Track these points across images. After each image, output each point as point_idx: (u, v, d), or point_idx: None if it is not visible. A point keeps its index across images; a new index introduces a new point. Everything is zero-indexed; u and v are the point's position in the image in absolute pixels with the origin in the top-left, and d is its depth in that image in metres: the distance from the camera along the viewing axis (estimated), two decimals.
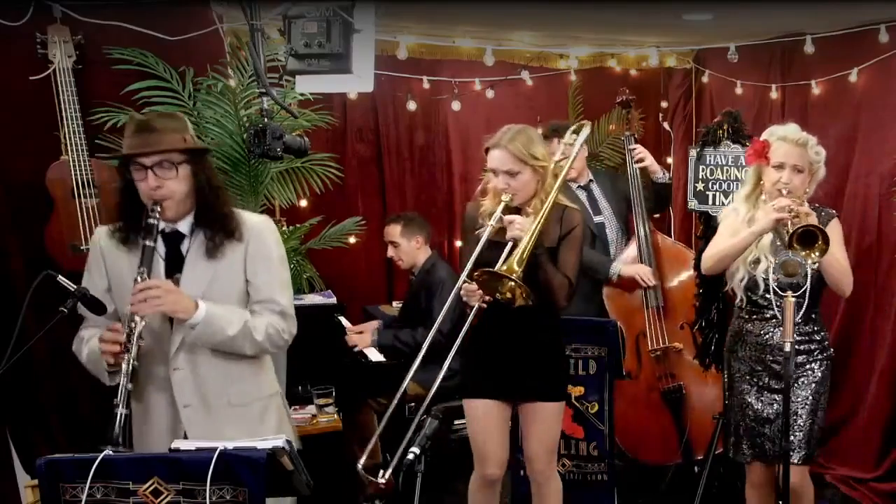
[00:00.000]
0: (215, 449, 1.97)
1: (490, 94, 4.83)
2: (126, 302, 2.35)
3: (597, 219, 4.30)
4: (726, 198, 3.86)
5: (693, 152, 4.16)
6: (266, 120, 3.08)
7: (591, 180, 4.35)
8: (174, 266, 2.42)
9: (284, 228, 4.07)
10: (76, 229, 3.40)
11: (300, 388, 3.81)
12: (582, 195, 4.33)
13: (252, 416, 2.52)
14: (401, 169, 4.99)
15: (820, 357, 3.07)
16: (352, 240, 4.50)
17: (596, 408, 3.52)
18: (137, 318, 2.28)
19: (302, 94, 3.75)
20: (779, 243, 3.02)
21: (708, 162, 4.03)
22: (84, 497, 1.97)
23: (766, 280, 3.00)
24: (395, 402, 2.84)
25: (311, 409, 3.69)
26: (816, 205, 3.10)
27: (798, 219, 2.82)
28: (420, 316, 4.10)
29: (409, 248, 4.23)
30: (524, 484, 3.54)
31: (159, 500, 2.00)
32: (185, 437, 2.40)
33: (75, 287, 2.32)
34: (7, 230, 3.47)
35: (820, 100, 4.50)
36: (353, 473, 3.64)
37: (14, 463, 3.49)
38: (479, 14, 4.20)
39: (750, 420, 3.10)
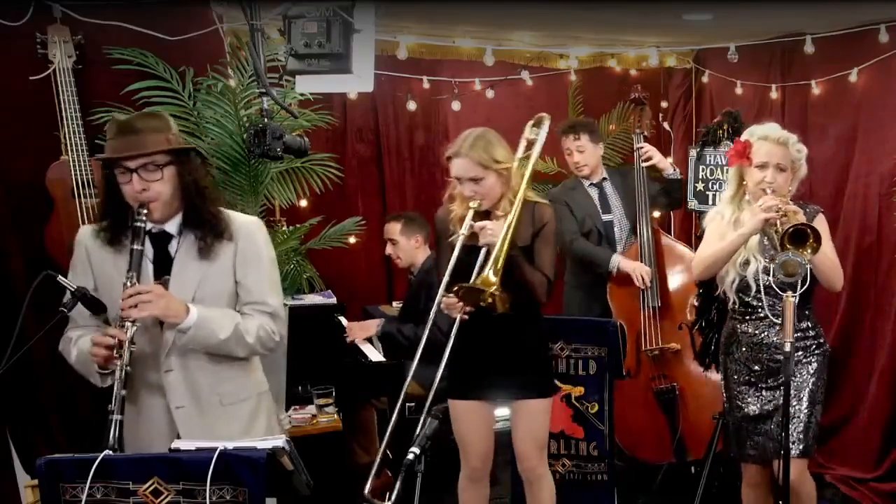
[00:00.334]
0: (215, 449, 1.97)
1: (490, 94, 4.84)
2: (113, 303, 2.34)
3: (605, 217, 4.32)
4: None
5: (693, 152, 4.17)
6: (266, 120, 3.08)
7: (604, 178, 4.38)
8: (162, 267, 2.40)
9: (284, 228, 4.07)
10: (76, 229, 3.36)
11: (300, 388, 3.81)
12: (594, 193, 4.36)
13: (244, 415, 2.51)
14: (401, 169, 4.99)
15: (816, 352, 3.08)
16: (352, 240, 4.50)
17: (596, 408, 3.52)
18: (128, 324, 2.27)
19: (302, 94, 3.75)
20: (766, 243, 3.02)
21: (708, 162, 4.04)
22: (84, 497, 1.97)
23: (757, 281, 3.00)
24: (399, 402, 2.85)
25: (311, 409, 3.69)
26: (801, 202, 3.10)
27: (786, 218, 2.82)
28: (420, 315, 4.10)
29: (407, 246, 4.23)
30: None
31: (159, 500, 2.00)
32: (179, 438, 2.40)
33: (75, 287, 2.32)
34: (7, 230, 3.47)
35: (820, 100, 4.50)
36: (352, 473, 3.66)
37: (14, 463, 3.49)
38: (479, 14, 4.20)
39: (749, 420, 3.10)
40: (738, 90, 4.81)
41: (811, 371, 3.05)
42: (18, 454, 3.51)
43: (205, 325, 2.35)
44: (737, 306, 3.11)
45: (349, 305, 4.56)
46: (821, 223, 3.00)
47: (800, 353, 3.00)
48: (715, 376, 3.90)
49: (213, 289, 2.42)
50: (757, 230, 2.93)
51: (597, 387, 3.51)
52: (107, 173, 2.39)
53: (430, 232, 4.34)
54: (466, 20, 4.42)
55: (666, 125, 5.30)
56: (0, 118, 3.42)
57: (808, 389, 3.03)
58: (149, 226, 2.36)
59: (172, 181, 2.36)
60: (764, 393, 3.07)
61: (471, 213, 2.87)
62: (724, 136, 4.00)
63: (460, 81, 4.83)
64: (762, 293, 3.00)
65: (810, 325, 3.08)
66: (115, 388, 2.25)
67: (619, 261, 4.20)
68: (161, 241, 2.41)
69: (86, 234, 2.47)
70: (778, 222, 2.83)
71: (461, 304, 2.81)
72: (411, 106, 4.79)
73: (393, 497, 2.34)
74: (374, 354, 4.12)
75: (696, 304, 3.98)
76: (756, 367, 3.08)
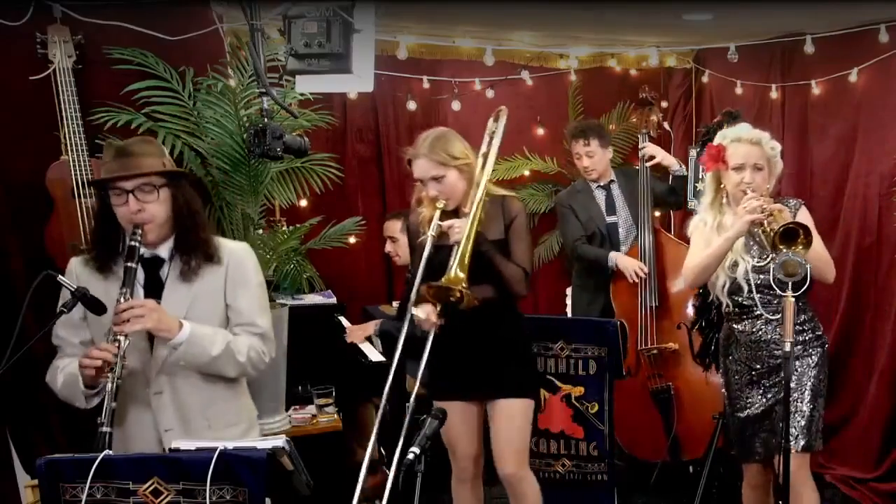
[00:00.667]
0: (215, 449, 1.97)
1: (490, 94, 4.84)
2: (104, 330, 2.35)
3: (609, 219, 4.39)
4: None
5: (693, 152, 4.17)
6: (266, 120, 3.09)
7: (612, 181, 4.45)
8: (153, 292, 2.42)
9: (284, 228, 4.07)
10: (76, 229, 3.40)
11: (300, 388, 3.81)
12: (601, 195, 4.44)
13: (231, 440, 2.50)
14: (401, 169, 4.97)
15: (816, 344, 3.07)
16: (352, 240, 4.49)
17: (596, 408, 3.52)
18: (121, 338, 2.28)
19: (302, 94, 3.74)
20: (752, 243, 3.02)
21: None
22: (84, 497, 1.98)
23: (748, 281, 2.99)
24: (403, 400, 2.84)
25: (311, 409, 3.70)
26: (780, 197, 3.11)
27: (772, 217, 2.83)
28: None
29: (406, 244, 4.23)
30: None
31: (159, 500, 2.00)
32: None
33: (75, 287, 2.32)
34: (7, 230, 3.47)
35: (820, 100, 4.50)
36: (352, 473, 3.66)
37: (14, 463, 3.49)
38: (479, 14, 4.20)
39: (754, 419, 3.09)
40: (738, 90, 4.81)
41: (811, 364, 3.05)
42: (18, 454, 3.51)
43: (197, 340, 2.36)
44: (730, 308, 3.10)
45: (349, 305, 4.57)
46: (805, 216, 3.00)
47: (799, 347, 3.00)
48: (713, 377, 3.91)
49: (202, 311, 2.43)
50: (743, 232, 2.94)
51: (597, 387, 3.51)
52: (102, 196, 2.42)
53: None
54: (466, 20, 4.42)
55: (666, 125, 5.29)
56: (0, 118, 3.42)
57: (810, 383, 3.03)
58: (142, 250, 2.37)
59: (167, 204, 2.40)
60: (766, 390, 3.07)
61: (438, 213, 2.90)
62: None
63: (460, 81, 4.83)
64: (754, 292, 3.00)
65: (807, 318, 3.07)
66: (107, 400, 2.26)
67: (616, 257, 4.25)
68: (153, 266, 2.43)
69: (75, 264, 2.49)
70: (764, 222, 2.84)
71: (431, 318, 2.81)
72: (411, 106, 4.79)
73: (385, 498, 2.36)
74: (374, 354, 4.12)
75: (695, 304, 3.98)
76: (757, 366, 3.07)
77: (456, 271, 2.77)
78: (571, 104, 5.17)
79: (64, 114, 3.37)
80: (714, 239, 3.00)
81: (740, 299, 3.05)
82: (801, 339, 3.03)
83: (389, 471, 2.57)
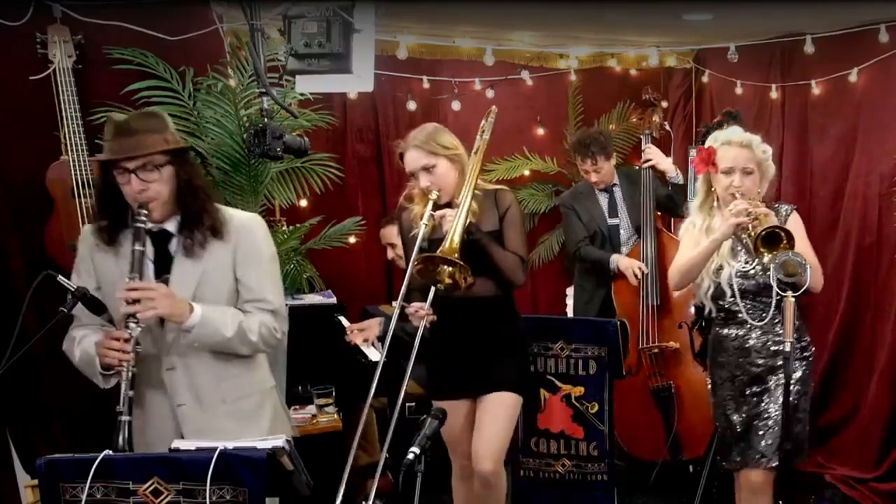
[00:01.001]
0: (215, 449, 1.97)
1: (490, 94, 4.84)
2: (116, 303, 2.34)
3: (611, 221, 4.43)
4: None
5: (693, 152, 4.17)
6: (266, 120, 3.08)
7: (614, 184, 4.48)
8: (163, 266, 2.40)
9: (284, 228, 4.07)
10: (76, 229, 3.39)
11: (300, 388, 3.81)
12: (604, 198, 4.47)
13: (246, 413, 2.51)
14: (401, 169, 4.91)
15: (799, 357, 2.99)
16: (352, 240, 4.50)
17: (596, 408, 3.52)
18: (133, 324, 2.27)
19: (302, 94, 3.75)
20: (739, 247, 2.99)
21: None
22: (84, 497, 1.97)
23: (731, 286, 2.97)
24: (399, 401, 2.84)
25: (311, 409, 3.69)
26: (773, 203, 3.07)
27: (758, 221, 2.79)
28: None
29: None
30: (524, 484, 3.55)
31: (159, 500, 2.00)
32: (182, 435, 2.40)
33: (75, 287, 2.32)
34: (7, 230, 3.47)
35: (820, 100, 4.50)
36: (352, 473, 3.65)
37: (14, 463, 3.49)
38: (479, 14, 4.20)
39: (735, 427, 3.05)
40: (738, 90, 4.81)
41: (794, 379, 2.95)
42: (18, 454, 3.51)
43: (208, 323, 2.35)
44: (714, 313, 3.08)
45: (349, 305, 4.56)
46: (796, 222, 2.97)
47: (781, 357, 2.93)
48: None
49: (211, 287, 2.41)
50: (728, 235, 2.91)
51: (597, 387, 3.51)
52: (103, 172, 2.40)
53: None
54: (466, 20, 4.42)
55: (666, 125, 5.30)
56: (0, 118, 3.42)
57: (790, 399, 2.92)
58: (149, 225, 2.36)
59: (171, 180, 2.36)
60: (747, 400, 3.02)
61: (430, 205, 2.89)
62: None
63: (460, 81, 4.83)
64: (737, 297, 2.96)
65: (794, 328, 2.96)
66: (123, 389, 2.26)
67: (617, 260, 4.29)
68: (161, 239, 2.41)
69: (87, 233, 2.46)
70: (750, 226, 2.81)
71: (423, 311, 2.80)
72: (411, 106, 4.79)
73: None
74: (374, 354, 4.12)
75: (697, 304, 3.98)
76: (738, 373, 3.04)
77: (451, 243, 2.75)
78: (571, 104, 5.17)
79: (64, 114, 3.37)
80: (702, 241, 2.98)
81: (724, 304, 3.02)
82: (783, 350, 2.92)
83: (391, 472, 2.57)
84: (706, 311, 3.15)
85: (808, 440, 4.62)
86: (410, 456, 2.04)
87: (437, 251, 2.76)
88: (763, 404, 2.98)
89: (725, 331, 3.07)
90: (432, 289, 2.82)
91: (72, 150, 3.37)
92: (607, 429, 3.52)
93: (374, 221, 4.65)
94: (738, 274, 2.96)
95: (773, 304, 2.92)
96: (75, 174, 3.39)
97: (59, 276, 2.34)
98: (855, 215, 4.36)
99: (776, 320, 2.96)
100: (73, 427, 3.60)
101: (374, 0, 2.77)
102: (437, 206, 2.90)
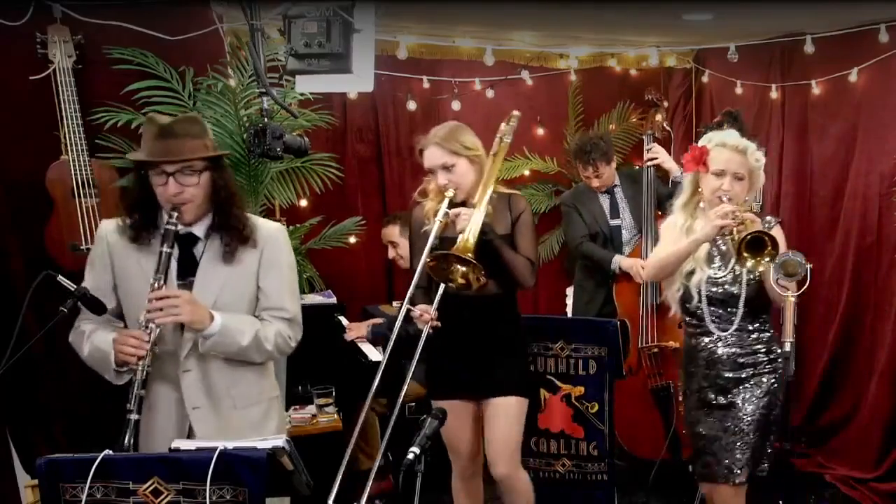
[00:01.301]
0: (215, 449, 1.97)
1: (490, 94, 4.84)
2: (133, 301, 2.36)
3: (613, 222, 4.42)
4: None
5: None
6: (266, 120, 3.09)
7: (615, 185, 4.48)
8: (186, 268, 2.42)
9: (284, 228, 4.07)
10: (76, 229, 3.40)
11: (300, 388, 3.81)
12: (605, 199, 4.47)
13: (255, 419, 2.52)
14: (401, 169, 4.98)
15: (768, 369, 2.93)
16: (352, 240, 4.50)
17: (596, 408, 3.52)
18: (152, 326, 2.29)
19: (302, 94, 3.75)
20: (715, 254, 2.95)
21: None
22: (84, 497, 1.97)
23: (699, 291, 2.92)
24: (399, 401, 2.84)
25: (311, 409, 3.69)
26: (757, 211, 3.02)
27: (743, 226, 2.73)
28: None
29: (408, 246, 4.23)
30: None
31: (159, 500, 2.00)
32: (189, 437, 2.41)
33: (75, 287, 2.32)
34: (7, 230, 3.47)
35: (820, 100, 4.50)
36: (352, 473, 3.66)
37: (14, 463, 3.49)
38: (479, 14, 4.20)
39: (699, 439, 3.01)
40: (738, 90, 4.81)
41: (761, 392, 2.91)
42: (18, 454, 3.51)
43: (228, 332, 2.37)
44: (686, 318, 3.03)
45: (349, 305, 4.56)
46: (778, 233, 2.88)
47: (749, 369, 2.92)
48: None
49: (234, 293, 2.44)
50: (710, 237, 2.86)
51: (597, 387, 3.51)
52: (138, 171, 2.40)
53: None
54: (466, 20, 4.42)
55: (666, 125, 5.30)
56: (0, 118, 3.42)
57: (758, 413, 2.90)
58: (179, 227, 2.37)
59: (206, 185, 2.39)
60: (714, 412, 2.97)
61: (446, 202, 2.88)
62: None
63: (460, 81, 4.83)
64: (704, 303, 2.92)
65: (763, 339, 2.94)
66: (135, 388, 2.27)
67: (619, 260, 4.28)
68: (187, 242, 2.42)
69: (109, 229, 2.46)
70: (734, 230, 2.75)
71: (428, 315, 2.80)
72: (411, 106, 4.79)
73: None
74: (374, 354, 4.12)
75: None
76: (705, 385, 2.99)
77: (466, 242, 2.74)
78: (571, 104, 5.17)
79: (64, 114, 3.37)
80: (682, 241, 2.92)
81: (690, 307, 2.97)
82: (752, 361, 2.92)
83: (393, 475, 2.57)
84: (670, 312, 3.12)
85: (808, 441, 4.66)
86: (410, 456, 2.04)
87: (452, 249, 2.76)
88: (730, 418, 2.92)
89: (694, 341, 3.02)
90: (439, 292, 2.82)
91: (72, 150, 3.37)
92: (607, 428, 3.52)
93: (374, 221, 4.65)
94: (709, 280, 2.91)
95: (740, 316, 2.89)
96: (75, 174, 3.39)
97: (59, 276, 2.34)
98: (855, 215, 4.36)
99: (744, 332, 2.92)
100: (73, 427, 3.60)
101: (374, 0, 2.77)
102: (452, 205, 2.89)
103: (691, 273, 2.94)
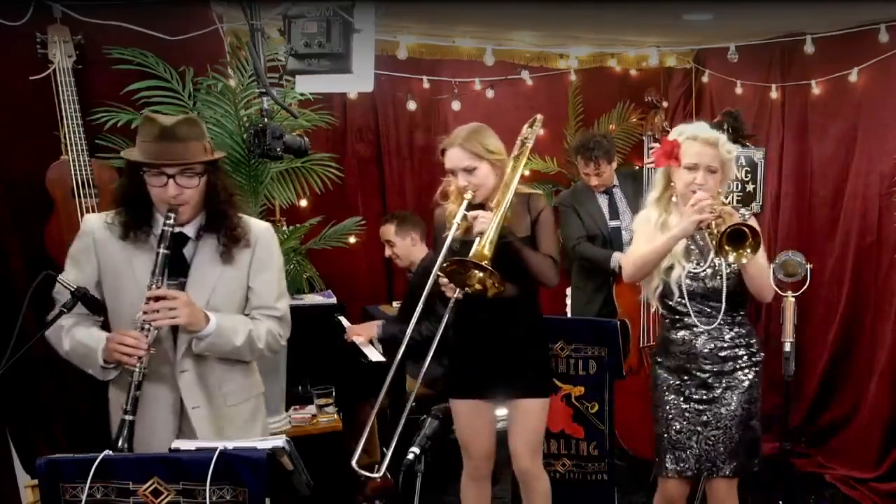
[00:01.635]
0: (215, 449, 1.97)
1: (490, 94, 4.84)
2: (119, 297, 2.36)
3: (612, 223, 4.40)
4: (726, 198, 3.86)
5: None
6: (266, 120, 3.09)
7: (614, 186, 4.46)
8: (176, 269, 2.41)
9: (284, 228, 4.07)
10: (76, 229, 3.38)
11: (300, 388, 3.80)
12: (603, 200, 4.46)
13: (244, 416, 2.54)
14: (401, 169, 4.99)
15: (748, 363, 2.92)
16: (352, 240, 4.50)
17: (596, 408, 3.52)
18: (149, 327, 2.29)
19: (302, 94, 3.74)
20: (693, 248, 2.92)
21: None
22: (84, 497, 1.97)
23: (680, 286, 2.89)
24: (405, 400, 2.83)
25: (311, 409, 3.69)
26: (739, 207, 3.02)
27: (721, 219, 2.69)
28: (421, 313, 4.09)
29: (404, 246, 4.24)
30: None
31: (159, 500, 2.00)
32: (180, 436, 2.40)
33: (75, 287, 2.32)
34: (7, 230, 3.47)
35: (820, 100, 4.50)
36: (353, 473, 3.66)
37: (14, 463, 3.49)
38: (479, 14, 4.20)
39: (675, 433, 2.97)
40: (738, 90, 4.81)
41: (743, 387, 2.90)
42: (18, 454, 3.51)
43: (223, 333, 2.38)
44: (666, 313, 3.00)
45: (349, 305, 4.56)
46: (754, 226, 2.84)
47: (730, 363, 2.90)
48: None
49: (227, 293, 2.45)
50: (689, 232, 2.81)
51: (597, 387, 3.51)
52: (132, 169, 2.39)
53: (425, 229, 4.35)
54: (466, 20, 4.42)
55: (666, 125, 5.30)
56: (0, 118, 3.41)
57: (740, 410, 2.89)
58: (175, 228, 2.37)
59: (204, 186, 2.39)
60: (692, 407, 2.95)
61: (464, 204, 2.87)
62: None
63: (460, 81, 4.83)
64: (686, 298, 2.89)
65: (741, 334, 2.93)
66: (132, 389, 2.27)
67: (619, 258, 4.25)
68: (177, 242, 2.42)
69: (95, 224, 2.45)
70: (713, 223, 2.71)
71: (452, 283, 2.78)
72: (411, 106, 4.79)
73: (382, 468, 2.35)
74: (374, 354, 4.12)
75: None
76: (685, 378, 2.96)
77: (483, 248, 2.73)
78: (571, 104, 5.17)
79: (64, 114, 3.37)
80: (657, 237, 2.88)
81: (671, 303, 2.94)
82: (733, 355, 2.91)
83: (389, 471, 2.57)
84: (652, 309, 3.10)
85: (808, 441, 4.66)
86: (410, 456, 2.04)
87: (469, 255, 2.75)
88: (710, 412, 2.91)
89: (671, 335, 2.98)
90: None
91: (72, 150, 3.37)
92: (607, 428, 3.53)
93: (374, 221, 4.65)
94: (689, 275, 2.89)
95: (722, 310, 2.87)
96: (75, 174, 3.39)
97: (59, 276, 2.34)
98: (855, 215, 4.36)
99: (724, 325, 2.90)
100: (73, 427, 3.60)
101: (374, 0, 2.77)
102: (470, 206, 2.88)
103: (670, 269, 2.90)
